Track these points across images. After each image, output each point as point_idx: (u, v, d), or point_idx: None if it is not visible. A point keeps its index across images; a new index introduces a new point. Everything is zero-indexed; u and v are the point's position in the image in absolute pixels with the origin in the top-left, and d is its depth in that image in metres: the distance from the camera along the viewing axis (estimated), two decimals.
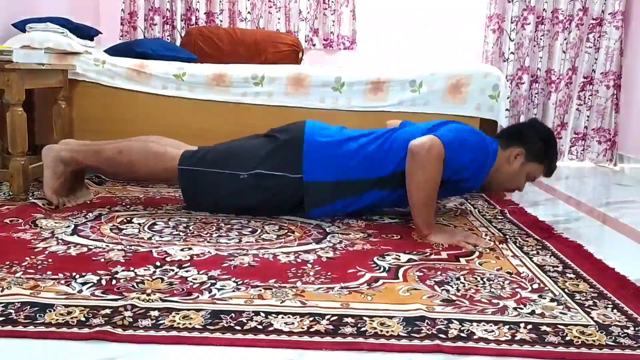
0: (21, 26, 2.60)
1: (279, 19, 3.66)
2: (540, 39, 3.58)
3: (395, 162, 1.80)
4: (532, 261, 1.56)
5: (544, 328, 1.14)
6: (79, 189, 2.03)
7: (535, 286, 1.37)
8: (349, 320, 1.14)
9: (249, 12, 3.65)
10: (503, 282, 1.39)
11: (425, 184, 1.67)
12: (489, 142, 1.86)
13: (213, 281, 1.32)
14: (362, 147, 1.83)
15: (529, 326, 1.14)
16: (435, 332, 1.10)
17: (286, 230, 1.77)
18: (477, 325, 1.14)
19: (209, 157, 1.84)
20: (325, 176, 1.80)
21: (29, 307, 1.15)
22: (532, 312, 1.21)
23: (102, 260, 1.44)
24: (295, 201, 1.85)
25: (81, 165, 1.93)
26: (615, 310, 1.23)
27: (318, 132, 1.86)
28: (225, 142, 1.94)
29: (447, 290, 1.32)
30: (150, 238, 1.65)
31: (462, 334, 1.10)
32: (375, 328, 1.11)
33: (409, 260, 1.52)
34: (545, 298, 1.29)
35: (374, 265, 1.48)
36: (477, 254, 1.60)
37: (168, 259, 1.47)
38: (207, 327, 1.09)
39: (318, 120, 1.96)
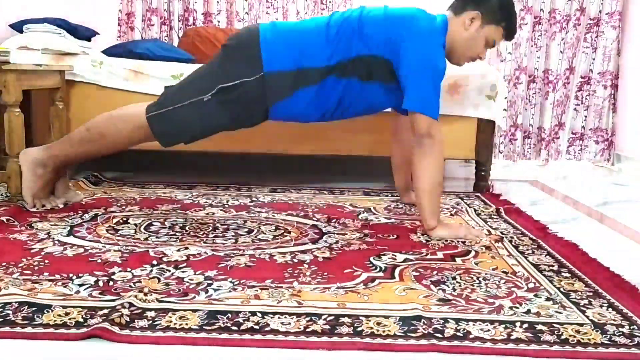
0: (18, 27, 2.60)
1: (276, 19, 3.66)
2: (538, 39, 3.59)
3: (348, 50, 1.77)
4: (528, 260, 1.56)
5: (539, 327, 1.14)
6: (62, 190, 2.02)
7: (531, 285, 1.37)
8: (346, 320, 1.14)
9: (246, 13, 3.65)
10: (499, 282, 1.39)
11: (435, 169, 1.74)
12: (436, 23, 1.81)
13: (209, 281, 1.32)
14: (318, 35, 1.79)
15: (525, 325, 1.15)
16: (431, 332, 1.10)
17: (282, 231, 1.78)
18: (473, 325, 1.14)
19: (170, 97, 1.81)
20: (284, 64, 1.76)
21: (26, 307, 1.15)
22: (528, 311, 1.22)
23: (99, 261, 1.44)
24: (265, 107, 1.81)
25: (60, 160, 1.92)
26: (610, 309, 1.24)
27: (272, 25, 1.84)
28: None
29: (443, 290, 1.32)
30: (146, 239, 1.65)
31: (458, 333, 1.10)
32: (371, 328, 1.11)
33: (405, 260, 1.53)
34: (540, 297, 1.30)
35: (370, 265, 1.48)
36: (472, 253, 1.61)
37: (164, 259, 1.47)
38: (204, 327, 1.09)
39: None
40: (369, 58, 1.78)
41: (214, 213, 1.97)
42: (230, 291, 1.27)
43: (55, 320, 1.10)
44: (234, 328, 1.09)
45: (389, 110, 2.12)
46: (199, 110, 1.77)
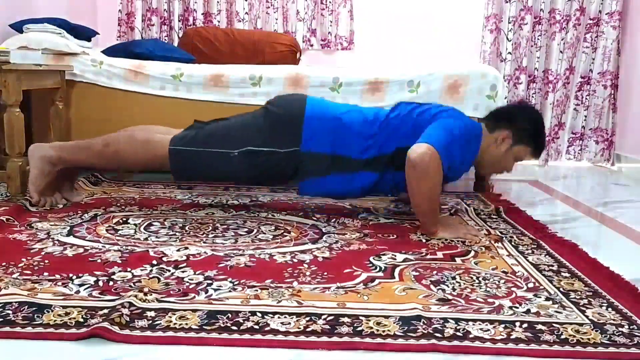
0: (18, 27, 2.60)
1: (276, 19, 3.67)
2: (538, 39, 3.59)
3: (387, 146, 1.83)
4: (527, 260, 1.56)
5: (539, 327, 1.14)
6: (67, 190, 2.03)
7: (531, 285, 1.37)
8: (345, 320, 1.14)
9: (246, 13, 3.66)
10: (498, 281, 1.39)
11: (430, 191, 1.70)
12: (474, 128, 1.86)
13: (209, 281, 1.32)
14: (360, 127, 1.84)
15: (525, 325, 1.15)
16: (431, 332, 1.10)
17: (282, 231, 1.78)
18: (473, 325, 1.14)
19: (199, 137, 1.83)
20: (322, 148, 1.81)
21: (26, 307, 1.15)
22: (528, 311, 1.22)
23: (99, 261, 1.44)
24: (286, 175, 1.85)
25: (69, 164, 1.92)
26: (610, 309, 1.24)
27: (319, 105, 1.87)
28: (219, 121, 1.93)
29: (443, 290, 1.32)
30: (146, 239, 1.65)
31: (458, 333, 1.10)
32: (371, 327, 1.11)
33: (404, 260, 1.53)
34: (540, 297, 1.30)
35: (370, 265, 1.48)
36: (472, 253, 1.61)
37: (164, 259, 1.47)
38: (204, 327, 1.09)
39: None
40: (405, 149, 1.75)
41: (213, 213, 1.97)
42: (230, 291, 1.27)
43: (55, 320, 1.10)
44: (234, 328, 1.10)
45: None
46: (222, 162, 1.81)
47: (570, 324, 1.16)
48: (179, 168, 1.82)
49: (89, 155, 1.89)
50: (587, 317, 1.20)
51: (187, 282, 1.32)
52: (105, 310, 1.14)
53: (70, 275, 1.33)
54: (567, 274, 1.46)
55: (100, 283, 1.29)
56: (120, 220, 1.82)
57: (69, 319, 1.11)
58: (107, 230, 1.72)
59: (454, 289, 1.33)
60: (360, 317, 1.15)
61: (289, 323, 1.12)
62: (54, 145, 1.94)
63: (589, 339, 1.10)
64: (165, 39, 3.66)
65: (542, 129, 1.94)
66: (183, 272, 1.38)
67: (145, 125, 1.95)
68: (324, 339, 1.07)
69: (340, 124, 1.84)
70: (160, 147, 1.82)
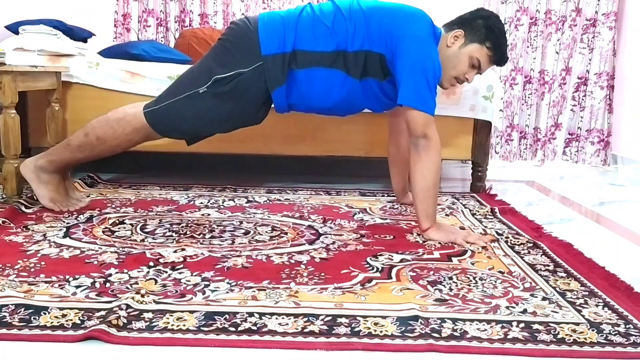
0: (14, 28, 2.59)
1: None
2: (534, 39, 3.60)
3: (343, 42, 1.77)
4: (524, 260, 1.56)
5: (536, 326, 1.15)
6: (72, 193, 2.03)
7: (527, 285, 1.38)
8: (343, 320, 1.14)
9: (242, 14, 3.65)
10: (495, 282, 1.39)
11: (428, 171, 1.72)
12: (434, 34, 1.81)
13: (207, 282, 1.32)
14: (314, 18, 1.79)
15: (521, 325, 1.15)
16: (428, 332, 1.11)
17: (279, 232, 1.78)
18: (470, 324, 1.14)
19: (168, 91, 1.82)
20: (281, 47, 1.76)
21: (23, 309, 1.15)
22: (524, 311, 1.22)
23: (96, 262, 1.44)
24: (262, 99, 1.82)
25: (60, 165, 1.92)
26: (606, 309, 1.24)
27: (271, 13, 1.84)
28: None
29: (440, 290, 1.32)
30: (143, 240, 1.65)
31: (455, 333, 1.11)
32: (369, 328, 1.11)
33: (401, 260, 1.53)
34: (536, 297, 1.30)
35: (367, 265, 1.48)
36: (469, 253, 1.61)
37: (161, 260, 1.47)
38: (201, 328, 1.09)
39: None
40: (365, 53, 1.76)
41: (209, 214, 1.97)
42: (227, 292, 1.27)
43: (52, 322, 1.10)
44: (232, 329, 1.10)
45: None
46: (196, 103, 1.77)
47: (567, 323, 1.17)
48: (161, 127, 1.81)
49: (74, 150, 1.88)
50: (583, 316, 1.20)
51: (185, 283, 1.32)
52: (103, 312, 1.14)
53: (67, 277, 1.33)
54: (563, 274, 1.46)
55: (97, 285, 1.29)
56: (117, 222, 1.82)
57: (66, 320, 1.10)
58: (103, 231, 1.71)
59: (450, 289, 1.33)
60: (358, 318, 1.16)
61: (287, 324, 1.12)
62: (38, 155, 1.95)
63: (585, 338, 1.10)
64: (161, 40, 3.65)
65: (497, 28, 1.81)
66: (180, 273, 1.38)
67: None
68: (322, 339, 1.07)
69: (294, 19, 1.79)
70: (134, 118, 1.81)
